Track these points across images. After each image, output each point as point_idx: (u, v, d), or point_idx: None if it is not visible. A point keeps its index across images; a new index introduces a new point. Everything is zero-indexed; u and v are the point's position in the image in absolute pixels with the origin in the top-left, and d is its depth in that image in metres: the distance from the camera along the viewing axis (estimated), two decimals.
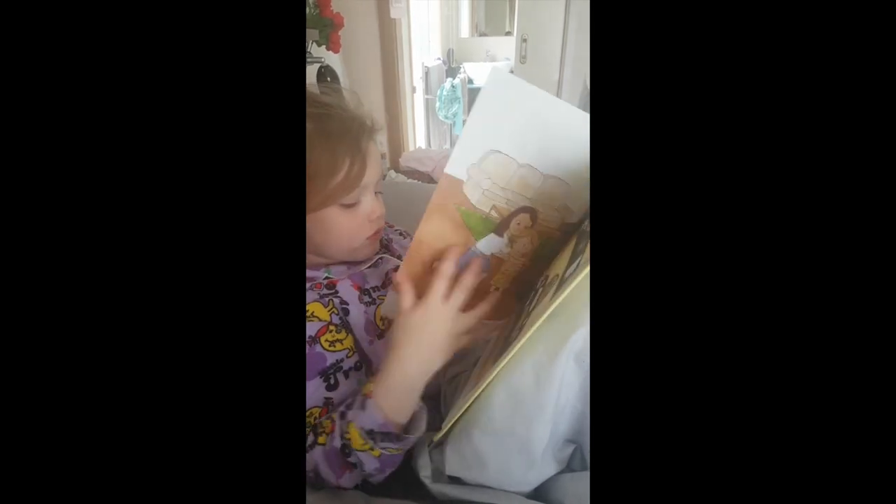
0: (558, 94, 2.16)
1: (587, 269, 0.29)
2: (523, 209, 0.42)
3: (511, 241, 0.44)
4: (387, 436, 0.41)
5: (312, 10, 1.42)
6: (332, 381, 0.48)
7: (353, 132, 0.50)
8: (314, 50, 1.50)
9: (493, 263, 0.46)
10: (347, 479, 0.42)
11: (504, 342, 0.41)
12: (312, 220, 0.50)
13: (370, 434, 0.40)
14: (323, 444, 0.42)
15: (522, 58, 2.20)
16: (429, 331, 0.42)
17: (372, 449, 0.40)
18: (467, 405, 0.38)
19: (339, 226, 0.52)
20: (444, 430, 0.40)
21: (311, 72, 1.48)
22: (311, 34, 1.38)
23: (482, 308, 0.45)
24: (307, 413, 0.45)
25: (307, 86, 0.52)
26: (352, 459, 0.40)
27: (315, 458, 0.42)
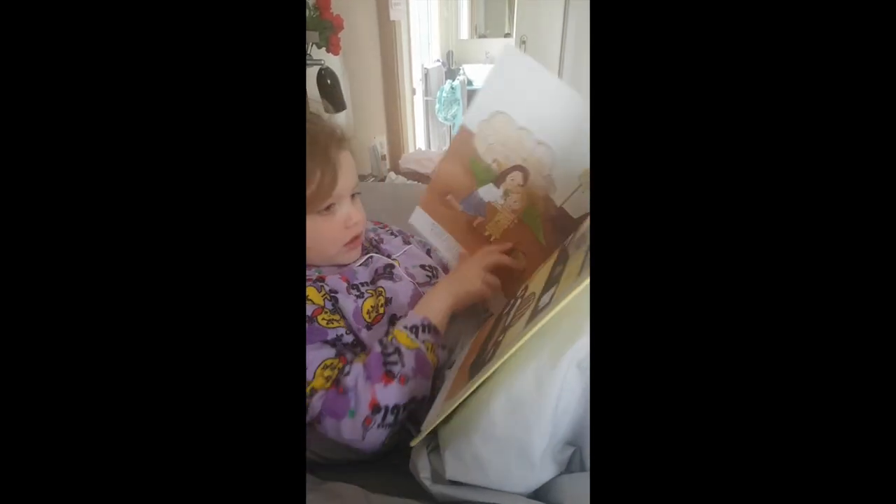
0: None
1: (562, 304, 0.32)
2: (517, 167, 0.54)
3: (505, 193, 0.56)
4: (427, 328, 0.50)
5: (312, 13, 1.42)
6: (336, 347, 0.50)
7: (321, 143, 0.51)
8: (314, 52, 1.50)
9: (488, 210, 0.59)
10: (383, 393, 0.45)
11: (480, 351, 0.42)
12: None
13: (413, 330, 0.49)
14: (361, 363, 0.48)
15: None
16: (468, 266, 0.57)
17: (413, 342, 0.48)
18: (445, 414, 0.38)
19: (315, 233, 0.53)
20: (422, 434, 0.40)
21: (311, 74, 1.48)
22: (311, 36, 1.39)
23: (496, 258, 0.58)
24: (324, 364, 0.47)
25: None
26: (392, 359, 0.47)
27: (350, 381, 0.45)
